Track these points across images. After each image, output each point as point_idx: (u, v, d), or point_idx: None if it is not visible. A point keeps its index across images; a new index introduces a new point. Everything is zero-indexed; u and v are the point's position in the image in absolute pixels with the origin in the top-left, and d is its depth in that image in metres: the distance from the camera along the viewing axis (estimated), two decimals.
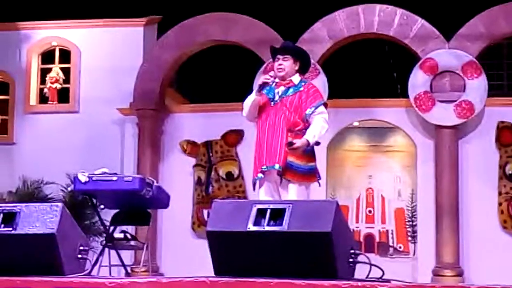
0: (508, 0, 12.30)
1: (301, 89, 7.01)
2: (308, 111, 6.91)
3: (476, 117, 12.05)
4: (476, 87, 11.99)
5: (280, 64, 7.07)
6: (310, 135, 6.84)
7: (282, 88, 7.03)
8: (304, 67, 7.25)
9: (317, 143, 7.03)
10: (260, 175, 6.90)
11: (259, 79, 7.24)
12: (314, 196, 7.42)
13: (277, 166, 6.80)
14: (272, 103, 7.00)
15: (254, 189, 7.07)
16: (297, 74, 7.12)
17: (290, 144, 6.75)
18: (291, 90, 7.01)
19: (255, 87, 7.23)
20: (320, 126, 6.89)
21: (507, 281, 5.46)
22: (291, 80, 7.06)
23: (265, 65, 12.20)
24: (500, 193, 11.92)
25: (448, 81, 12.15)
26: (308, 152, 6.89)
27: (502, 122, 12.05)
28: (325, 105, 7.09)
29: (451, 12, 13.98)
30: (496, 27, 12.27)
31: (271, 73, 7.14)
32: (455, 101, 11.98)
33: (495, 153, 12.05)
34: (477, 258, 11.83)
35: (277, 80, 7.07)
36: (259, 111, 7.08)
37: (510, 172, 11.94)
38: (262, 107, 7.05)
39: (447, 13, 13.93)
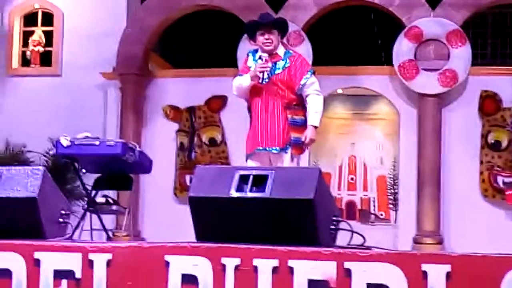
0: None
1: (288, 64, 7.02)
2: (301, 82, 6.93)
3: (460, 86, 12.06)
4: (460, 55, 11.99)
5: (267, 39, 7.05)
6: (315, 119, 6.90)
7: (269, 60, 7.03)
8: (284, 34, 7.28)
9: None
10: (254, 151, 6.95)
11: (255, 67, 7.06)
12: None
13: (277, 149, 6.85)
14: (262, 81, 6.99)
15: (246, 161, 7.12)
16: (281, 45, 7.13)
17: (302, 143, 6.83)
18: (279, 66, 7.02)
19: (240, 64, 7.23)
20: (318, 104, 6.95)
21: (486, 249, 5.49)
22: (277, 53, 7.06)
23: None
24: (481, 162, 11.96)
25: (432, 49, 12.13)
26: (306, 123, 6.96)
27: (485, 91, 12.06)
28: (314, 73, 7.11)
29: None
30: None
31: (263, 55, 7.04)
32: (439, 69, 11.98)
33: (478, 122, 12.08)
34: (458, 226, 11.90)
35: (262, 54, 7.05)
36: (251, 89, 7.08)
37: (492, 141, 11.98)
38: (252, 86, 7.05)
39: None
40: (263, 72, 6.92)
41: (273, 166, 6.87)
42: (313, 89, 6.96)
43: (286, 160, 6.91)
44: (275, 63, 7.01)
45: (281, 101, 6.90)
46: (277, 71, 6.99)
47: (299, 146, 6.94)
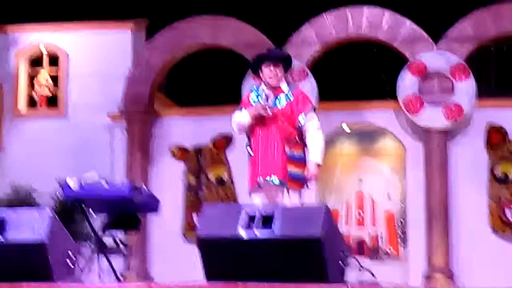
0: (495, 2, 12.32)
1: (291, 98, 7.05)
2: (300, 118, 6.95)
3: (465, 119, 12.05)
4: (465, 89, 12.00)
5: (272, 71, 7.08)
6: (317, 155, 6.90)
7: (271, 97, 7.05)
8: (288, 69, 7.32)
9: None
10: (257, 187, 6.93)
11: (256, 106, 7.09)
12: (304, 200, 7.43)
13: (276, 180, 6.84)
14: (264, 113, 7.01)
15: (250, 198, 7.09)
16: (283, 79, 7.16)
17: (302, 178, 6.83)
18: (281, 99, 7.04)
19: (245, 100, 7.22)
20: (318, 141, 6.96)
21: (497, 283, 5.47)
22: (280, 87, 7.09)
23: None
24: (489, 196, 11.93)
25: (436, 83, 12.14)
26: (305, 160, 6.96)
27: (491, 124, 12.06)
28: (314, 109, 7.13)
29: (439, 14, 14.00)
30: (484, 29, 12.28)
31: (266, 92, 7.07)
32: (444, 103, 11.98)
33: (484, 155, 12.06)
34: (468, 261, 11.82)
35: (266, 90, 7.08)
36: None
37: (499, 174, 11.96)
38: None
39: (435, 15, 13.95)
40: (263, 110, 6.96)
41: (277, 199, 6.86)
42: (313, 125, 6.98)
43: (286, 194, 6.88)
44: (278, 96, 7.05)
45: (280, 135, 6.92)
46: (279, 105, 7.02)
47: (297, 181, 6.90)
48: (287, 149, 6.89)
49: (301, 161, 6.94)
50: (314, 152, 6.93)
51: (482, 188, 11.95)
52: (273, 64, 7.09)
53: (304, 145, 7.01)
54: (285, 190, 6.87)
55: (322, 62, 13.04)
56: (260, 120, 7.00)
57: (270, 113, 6.95)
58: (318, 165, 6.94)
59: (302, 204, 6.89)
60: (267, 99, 7.01)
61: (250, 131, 7.10)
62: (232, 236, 5.53)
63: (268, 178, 6.88)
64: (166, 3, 15.24)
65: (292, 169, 6.89)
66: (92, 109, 13.11)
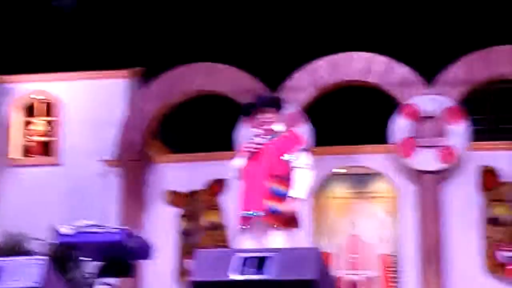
0: (486, 46, 12.43)
1: (282, 133, 7.07)
2: (287, 155, 6.94)
3: (458, 162, 12.09)
4: (458, 132, 12.06)
5: (266, 118, 7.11)
6: (294, 190, 6.86)
7: (263, 135, 7.10)
8: (280, 110, 7.34)
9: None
10: (246, 225, 6.90)
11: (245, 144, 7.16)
12: (297, 243, 7.40)
13: (260, 213, 6.81)
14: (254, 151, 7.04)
15: (240, 238, 7.05)
16: (279, 121, 7.19)
17: (277, 212, 6.79)
18: (272, 137, 7.06)
19: (241, 147, 7.24)
20: (302, 177, 6.91)
21: None
22: (273, 129, 7.12)
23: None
24: (482, 237, 11.93)
25: (429, 127, 12.20)
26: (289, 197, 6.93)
27: (484, 166, 12.10)
28: (306, 150, 7.11)
29: (431, 58, 14.10)
30: (476, 72, 12.39)
31: (256, 136, 7.12)
32: (437, 146, 12.03)
33: (477, 197, 12.08)
34: None
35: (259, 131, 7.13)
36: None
37: (493, 216, 11.97)
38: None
39: (428, 59, 14.05)
40: (250, 148, 7.00)
41: (264, 239, 6.81)
42: (302, 163, 6.96)
43: (274, 235, 6.82)
44: (269, 135, 7.08)
45: (267, 168, 6.91)
46: (269, 140, 7.05)
47: (277, 217, 6.85)
48: (271, 184, 6.87)
49: (285, 198, 6.89)
50: (295, 186, 6.88)
51: (475, 229, 11.96)
52: (263, 111, 7.13)
53: (290, 182, 6.97)
54: (274, 231, 6.83)
55: (314, 106, 13.10)
56: (250, 159, 7.02)
57: (256, 148, 6.97)
58: (298, 200, 6.86)
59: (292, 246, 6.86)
60: (256, 136, 7.06)
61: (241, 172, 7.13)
62: (226, 280, 5.52)
63: (253, 212, 6.86)
64: (162, 52, 15.33)
65: (274, 204, 6.84)
66: (86, 156, 13.14)
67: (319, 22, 14.92)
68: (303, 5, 14.92)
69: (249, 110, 7.25)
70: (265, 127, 7.11)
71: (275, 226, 6.81)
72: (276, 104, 7.25)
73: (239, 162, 7.14)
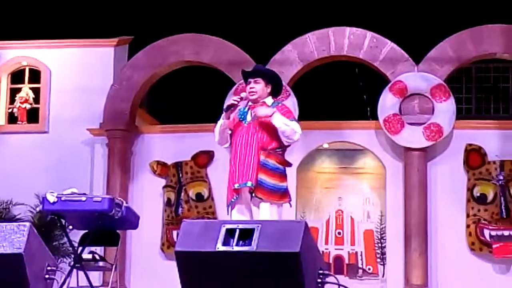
0: (476, 24, 12.44)
1: (272, 106, 7.05)
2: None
3: (445, 140, 12.14)
4: (445, 110, 12.09)
5: (252, 88, 7.10)
6: (278, 118, 6.83)
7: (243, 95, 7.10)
8: (276, 90, 7.27)
9: (289, 164, 7.06)
10: (235, 197, 6.91)
11: (229, 100, 7.24)
12: (284, 217, 7.43)
13: (249, 183, 6.81)
14: (245, 123, 7.03)
15: (228, 212, 7.05)
16: (270, 97, 7.16)
17: (265, 185, 6.79)
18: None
19: (225, 109, 7.22)
20: (291, 124, 6.89)
21: None
22: (264, 102, 7.09)
23: (235, 86, 12.27)
24: (468, 215, 11.99)
25: (417, 104, 12.23)
26: (280, 171, 6.92)
27: (470, 144, 12.14)
28: (296, 121, 7.12)
29: (420, 35, 14.12)
30: (464, 50, 12.40)
31: (243, 94, 7.16)
32: (424, 123, 12.07)
33: (463, 175, 12.13)
34: (446, 280, 11.89)
35: (250, 103, 7.11)
36: (232, 135, 7.10)
37: (478, 194, 12.02)
38: (235, 130, 7.07)
39: (416, 36, 14.06)
40: (232, 104, 6.97)
41: (253, 212, 6.83)
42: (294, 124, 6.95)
43: (262, 208, 6.83)
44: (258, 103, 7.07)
45: (257, 141, 6.90)
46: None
47: (266, 190, 6.84)
48: (261, 157, 6.87)
49: (275, 172, 6.88)
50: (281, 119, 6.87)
51: (461, 207, 12.02)
52: (253, 79, 7.13)
53: (279, 156, 6.97)
54: (262, 204, 6.84)
55: (303, 81, 13.11)
56: (240, 131, 7.01)
57: (238, 100, 6.97)
58: (271, 115, 6.83)
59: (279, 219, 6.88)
60: (241, 99, 7.06)
61: (231, 143, 7.12)
62: (210, 251, 5.54)
63: (241, 183, 6.86)
64: (150, 22, 15.28)
65: (263, 177, 6.85)
66: (73, 125, 13.09)
67: None
68: None
69: (244, 78, 7.25)
70: (251, 98, 7.10)
71: (262, 198, 6.83)
72: (266, 77, 7.22)
73: (220, 121, 7.11)
